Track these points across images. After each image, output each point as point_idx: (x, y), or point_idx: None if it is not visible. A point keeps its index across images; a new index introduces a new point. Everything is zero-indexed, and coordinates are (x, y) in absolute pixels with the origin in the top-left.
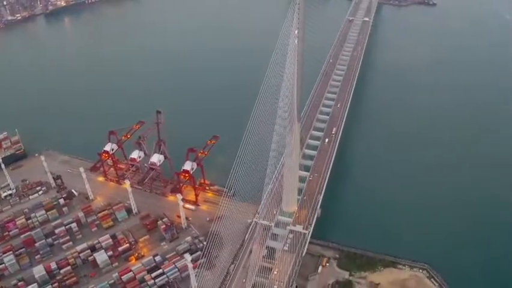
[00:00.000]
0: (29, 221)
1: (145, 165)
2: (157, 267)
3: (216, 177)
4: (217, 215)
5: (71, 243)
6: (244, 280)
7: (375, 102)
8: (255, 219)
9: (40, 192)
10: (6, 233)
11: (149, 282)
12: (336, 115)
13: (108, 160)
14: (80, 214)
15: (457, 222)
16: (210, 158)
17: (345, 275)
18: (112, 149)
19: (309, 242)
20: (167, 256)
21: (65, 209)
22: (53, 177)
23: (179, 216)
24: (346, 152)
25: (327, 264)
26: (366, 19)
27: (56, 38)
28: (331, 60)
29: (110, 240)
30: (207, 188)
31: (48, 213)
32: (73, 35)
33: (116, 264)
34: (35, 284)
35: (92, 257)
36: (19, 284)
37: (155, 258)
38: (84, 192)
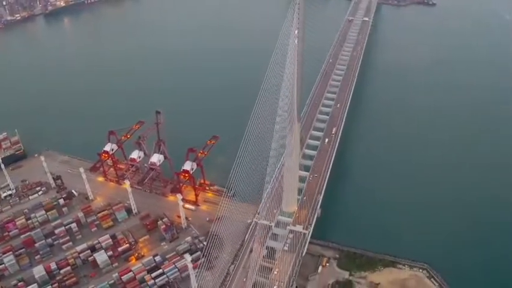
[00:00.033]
0: (29, 221)
1: (145, 165)
2: (157, 267)
3: (215, 177)
4: (217, 215)
5: (71, 243)
6: (244, 279)
7: (375, 102)
8: (255, 219)
9: (40, 193)
10: (6, 233)
11: (149, 283)
12: (336, 115)
13: (108, 160)
14: (80, 214)
15: (456, 222)
16: (209, 158)
17: (345, 274)
18: (112, 149)
19: (309, 242)
20: (167, 256)
21: (65, 209)
22: (53, 178)
23: (179, 216)
24: (346, 152)
25: (327, 264)
26: (366, 19)
27: (55, 38)
28: (331, 60)
29: (110, 240)
30: (207, 188)
31: (48, 213)
32: (73, 35)
33: (116, 264)
34: (35, 284)
35: (92, 257)
36: (19, 284)
37: (155, 258)
38: (84, 192)
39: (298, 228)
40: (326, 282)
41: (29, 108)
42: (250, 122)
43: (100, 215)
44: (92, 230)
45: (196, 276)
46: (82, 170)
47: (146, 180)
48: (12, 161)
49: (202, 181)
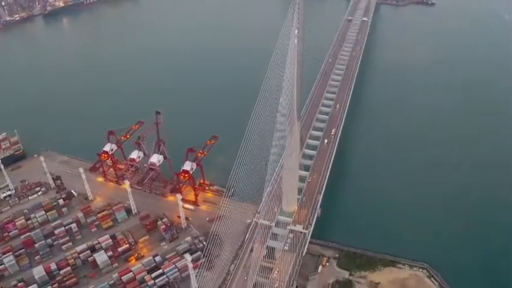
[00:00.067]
0: (29, 222)
1: (145, 165)
2: (157, 267)
3: (215, 177)
4: (217, 215)
5: (70, 243)
6: (245, 277)
7: (374, 102)
8: (255, 219)
9: (39, 193)
10: (6, 233)
11: (149, 283)
12: (336, 115)
13: (107, 160)
14: (80, 215)
15: (456, 221)
16: (209, 158)
17: (345, 274)
18: (112, 150)
19: (309, 242)
20: (167, 256)
21: (64, 209)
22: (53, 178)
23: (179, 217)
24: (345, 152)
25: (327, 263)
26: (365, 19)
27: (54, 38)
28: (330, 60)
29: (110, 240)
30: (207, 188)
31: (47, 213)
32: (72, 35)
33: (116, 264)
34: (35, 284)
35: (92, 257)
36: (19, 284)
37: (155, 258)
38: (83, 192)
39: (299, 228)
40: (326, 282)
41: (29, 108)
42: (251, 121)
43: (99, 215)
44: (92, 230)
45: (196, 276)
46: (81, 170)
47: (146, 181)
48: (11, 161)
49: (201, 181)
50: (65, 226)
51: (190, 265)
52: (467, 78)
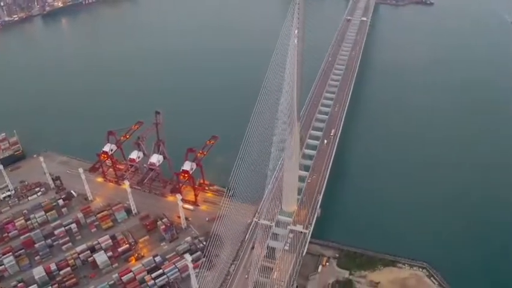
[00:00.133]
0: (28, 222)
1: (144, 165)
2: (157, 267)
3: (215, 177)
4: (217, 215)
5: (70, 244)
6: (246, 276)
7: (373, 101)
8: (255, 219)
9: (39, 193)
10: (6, 234)
11: (149, 283)
12: (335, 115)
13: (107, 161)
14: (80, 215)
15: (456, 221)
16: (209, 158)
17: (345, 274)
18: (111, 150)
19: (309, 242)
20: (167, 256)
21: (64, 209)
22: (52, 178)
23: (179, 217)
24: (345, 152)
25: (327, 263)
26: (364, 19)
27: (53, 38)
28: (330, 59)
29: (110, 241)
30: (207, 188)
31: (47, 214)
32: (71, 35)
33: (116, 265)
34: (35, 285)
35: (91, 257)
36: (19, 285)
37: (155, 258)
38: (83, 193)
39: (299, 227)
40: (326, 282)
41: (28, 108)
42: (251, 121)
43: (99, 215)
44: (92, 230)
45: (196, 276)
46: (81, 170)
47: (145, 181)
48: (11, 161)
49: (201, 181)
50: (64, 226)
51: (190, 265)
52: (466, 78)
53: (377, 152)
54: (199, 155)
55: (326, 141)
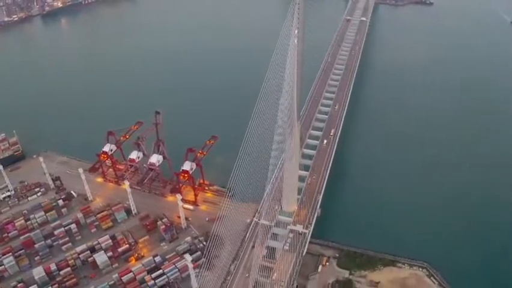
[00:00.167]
0: (28, 223)
1: (144, 165)
2: (157, 267)
3: (215, 177)
4: (217, 215)
5: (70, 244)
6: (247, 275)
7: (373, 101)
8: (255, 219)
9: (39, 194)
10: (6, 234)
11: (149, 283)
12: (335, 115)
13: (107, 161)
14: (79, 215)
15: (456, 221)
16: (208, 158)
17: (345, 274)
18: (111, 150)
19: (309, 242)
20: (167, 256)
21: (64, 210)
22: (52, 179)
23: (179, 217)
24: (345, 152)
25: (327, 263)
26: (364, 19)
27: (53, 38)
28: (329, 59)
29: (110, 241)
30: (206, 188)
31: (47, 214)
32: (70, 35)
33: (116, 265)
34: (35, 285)
35: (91, 258)
36: (19, 285)
37: (155, 258)
38: (83, 193)
39: (299, 227)
40: (326, 282)
41: (28, 109)
42: (251, 121)
43: (99, 215)
44: (92, 230)
45: (196, 276)
46: (81, 170)
47: (145, 181)
48: (10, 162)
49: (201, 181)
50: (64, 227)
51: (190, 265)
52: (465, 78)
53: (376, 151)
54: (199, 155)
55: (325, 141)
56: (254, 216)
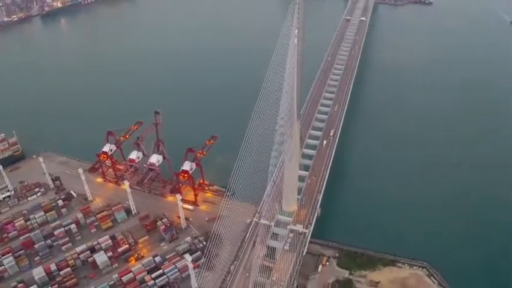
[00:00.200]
0: (28, 223)
1: (144, 165)
2: (157, 267)
3: (215, 177)
4: (217, 215)
5: (70, 244)
6: (247, 274)
7: (373, 101)
8: (255, 219)
9: (39, 194)
10: (5, 234)
11: (149, 283)
12: (335, 115)
13: (107, 161)
14: (79, 215)
15: (456, 220)
16: (208, 158)
17: (345, 273)
18: (111, 150)
19: (309, 241)
20: (167, 256)
21: (64, 210)
22: (52, 179)
23: (178, 217)
24: (345, 152)
25: (327, 263)
26: (363, 18)
27: (52, 39)
28: (329, 58)
29: (110, 241)
30: (206, 188)
31: (47, 214)
32: (70, 35)
33: (116, 265)
34: (35, 285)
35: (91, 258)
36: (19, 286)
37: (155, 258)
38: (83, 193)
39: (299, 227)
40: (326, 281)
41: (27, 109)
42: (251, 121)
43: (99, 215)
44: (92, 231)
45: (196, 276)
46: (80, 170)
47: (145, 181)
48: (10, 162)
49: (201, 181)
50: (64, 227)
51: (190, 265)
52: (465, 78)
53: (376, 151)
54: (198, 155)
55: (325, 141)
56: (254, 216)
